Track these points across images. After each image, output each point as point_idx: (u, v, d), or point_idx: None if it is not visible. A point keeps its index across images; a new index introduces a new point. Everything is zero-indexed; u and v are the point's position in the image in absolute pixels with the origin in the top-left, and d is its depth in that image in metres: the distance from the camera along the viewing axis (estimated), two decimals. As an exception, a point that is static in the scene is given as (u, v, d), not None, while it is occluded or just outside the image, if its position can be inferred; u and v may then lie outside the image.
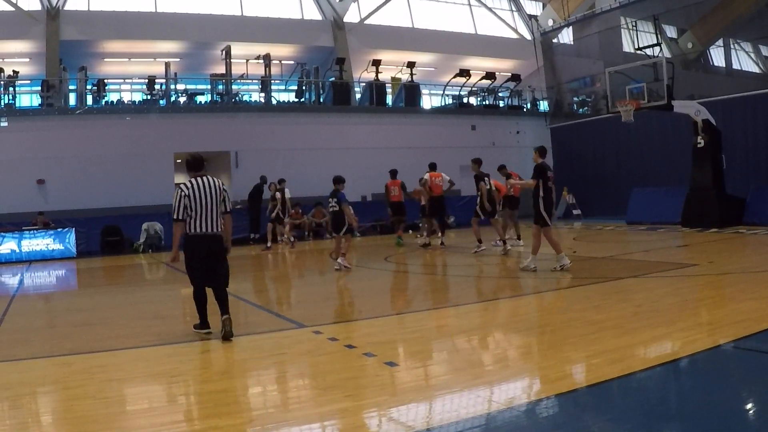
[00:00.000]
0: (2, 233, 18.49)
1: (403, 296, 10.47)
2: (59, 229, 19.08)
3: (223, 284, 7.15)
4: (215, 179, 7.21)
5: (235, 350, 6.64)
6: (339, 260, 12.95)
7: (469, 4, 33.89)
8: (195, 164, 7.23)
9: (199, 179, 7.11)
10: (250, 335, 7.30)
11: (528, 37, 33.52)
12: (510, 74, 30.69)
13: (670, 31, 32.81)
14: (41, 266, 17.22)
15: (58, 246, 18.85)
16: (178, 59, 27.20)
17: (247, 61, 26.39)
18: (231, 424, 4.40)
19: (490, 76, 29.32)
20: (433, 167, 16.87)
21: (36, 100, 23.66)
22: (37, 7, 24.54)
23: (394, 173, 18.10)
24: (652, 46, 24.07)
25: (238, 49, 26.13)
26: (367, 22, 30.53)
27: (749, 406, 4.52)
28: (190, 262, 7.17)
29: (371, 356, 5.97)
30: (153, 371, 6.10)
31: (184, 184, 7.11)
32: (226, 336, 6.87)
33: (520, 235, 16.29)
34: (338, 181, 13.19)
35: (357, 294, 10.75)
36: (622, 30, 28.44)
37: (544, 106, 31.70)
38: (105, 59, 27.07)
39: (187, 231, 7.04)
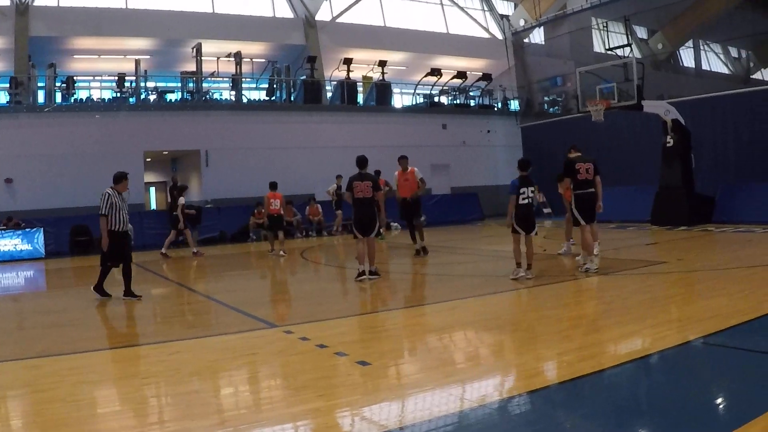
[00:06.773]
0: (-32, 233, 18.14)
1: (375, 295, 10.45)
2: (27, 229, 18.75)
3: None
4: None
5: (206, 351, 6.59)
6: (526, 272, 10.12)
7: (441, 4, 34.01)
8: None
9: None
10: (221, 336, 7.24)
11: (499, 36, 33.71)
12: (481, 73, 30.87)
13: (641, 32, 33.27)
14: (9, 267, 16.91)
15: (26, 246, 18.52)
16: (149, 56, 26.95)
17: (218, 58, 26.23)
18: (203, 426, 4.36)
19: (461, 75, 29.47)
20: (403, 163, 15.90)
21: (4, 98, 23.23)
22: (6, 2, 24.10)
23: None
24: (623, 46, 24.37)
25: (209, 46, 25.94)
26: (338, 20, 30.49)
27: (719, 400, 4.59)
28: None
29: (343, 356, 5.95)
30: (124, 373, 6.04)
31: None
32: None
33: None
34: (526, 165, 10.21)
35: (328, 294, 10.72)
36: (593, 30, 28.71)
37: (514, 105, 31.90)
38: (75, 56, 26.70)
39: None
